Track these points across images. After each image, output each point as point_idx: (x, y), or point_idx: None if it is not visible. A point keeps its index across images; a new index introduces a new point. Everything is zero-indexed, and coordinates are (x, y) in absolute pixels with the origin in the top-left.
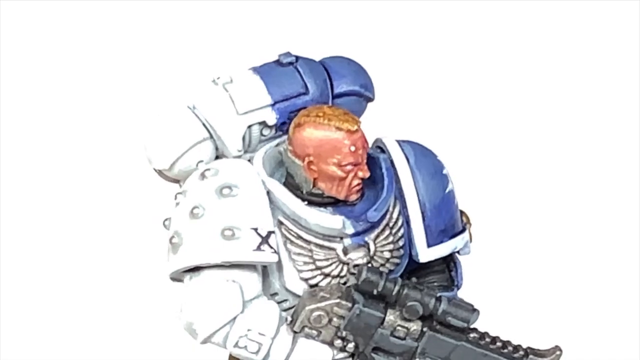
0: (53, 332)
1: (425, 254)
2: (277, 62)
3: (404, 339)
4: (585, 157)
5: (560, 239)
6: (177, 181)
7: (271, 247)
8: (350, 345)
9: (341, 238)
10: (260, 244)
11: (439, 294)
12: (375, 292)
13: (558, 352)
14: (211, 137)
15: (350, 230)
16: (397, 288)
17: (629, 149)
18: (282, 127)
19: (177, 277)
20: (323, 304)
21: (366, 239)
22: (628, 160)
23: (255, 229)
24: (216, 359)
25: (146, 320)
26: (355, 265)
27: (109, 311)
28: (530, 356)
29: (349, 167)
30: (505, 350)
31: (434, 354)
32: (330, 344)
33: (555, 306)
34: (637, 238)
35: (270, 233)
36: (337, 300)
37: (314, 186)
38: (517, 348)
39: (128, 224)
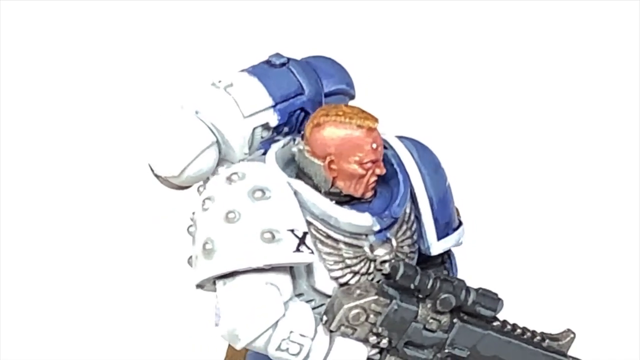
0: (53, 332)
1: (437, 246)
2: (269, 64)
3: (435, 331)
4: (585, 155)
5: (559, 238)
6: (181, 188)
7: (308, 248)
8: (384, 341)
9: (366, 235)
10: (299, 245)
11: (467, 286)
12: (412, 286)
13: (572, 335)
14: (217, 141)
15: (377, 227)
16: (431, 281)
17: (629, 149)
18: (278, 128)
19: (204, 284)
20: (361, 301)
21: (388, 234)
22: (628, 160)
23: (292, 231)
24: (215, 359)
25: (146, 321)
26: (383, 262)
27: (108, 311)
28: (547, 341)
29: (369, 165)
30: (525, 337)
31: (462, 344)
32: (365, 340)
33: (555, 305)
34: (637, 238)
35: (305, 234)
36: (375, 297)
37: (332, 185)
38: (534, 334)
39: (127, 224)
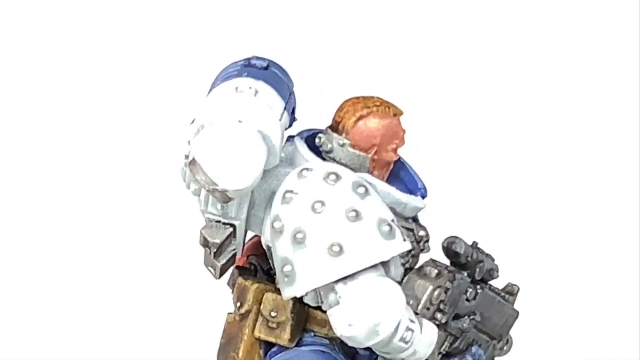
0: (53, 332)
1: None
2: (259, 67)
3: (471, 300)
4: (585, 156)
5: (559, 238)
6: (230, 199)
7: (403, 237)
8: (444, 317)
9: (406, 219)
10: (402, 234)
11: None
12: (466, 260)
13: (518, 287)
14: None
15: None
16: (475, 256)
17: (629, 149)
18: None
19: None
20: (440, 281)
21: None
22: (628, 160)
23: (393, 221)
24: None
25: (146, 320)
26: (426, 241)
27: (108, 311)
28: (507, 296)
29: (398, 152)
30: (502, 295)
31: (482, 310)
32: (433, 319)
33: (555, 305)
34: (638, 237)
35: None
36: (451, 275)
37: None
38: (499, 291)
39: (127, 224)
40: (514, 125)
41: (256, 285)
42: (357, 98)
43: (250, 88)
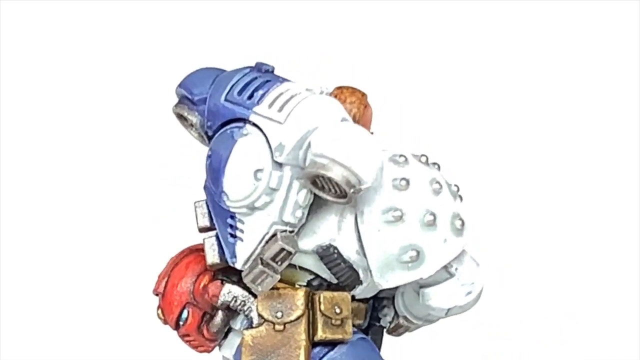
0: (53, 332)
1: None
2: (271, 71)
3: None
4: (585, 156)
5: (559, 238)
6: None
7: None
8: None
9: None
10: None
11: None
12: None
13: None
14: None
15: None
16: None
17: (629, 149)
18: None
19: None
20: None
21: None
22: (628, 160)
23: None
24: (214, 358)
25: (146, 320)
26: None
27: (108, 311)
28: None
29: None
30: None
31: None
32: None
33: (555, 305)
34: (638, 237)
35: None
36: None
37: None
38: None
39: (127, 224)
40: (513, 125)
41: (303, 289)
42: (344, 88)
43: (321, 90)
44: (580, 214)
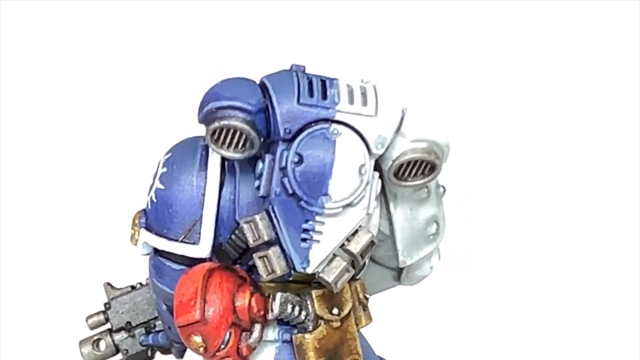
0: (53, 332)
1: None
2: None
3: None
4: (585, 156)
5: (560, 238)
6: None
7: None
8: None
9: None
10: None
11: None
12: None
13: None
14: None
15: None
16: None
17: (629, 149)
18: None
19: None
20: None
21: None
22: (628, 160)
23: None
24: None
25: None
26: None
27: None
28: None
29: None
30: None
31: None
32: None
33: (555, 305)
34: (638, 237)
35: None
36: None
37: None
38: None
39: (127, 224)
40: (514, 125)
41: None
42: None
43: (367, 81)
44: (580, 213)
